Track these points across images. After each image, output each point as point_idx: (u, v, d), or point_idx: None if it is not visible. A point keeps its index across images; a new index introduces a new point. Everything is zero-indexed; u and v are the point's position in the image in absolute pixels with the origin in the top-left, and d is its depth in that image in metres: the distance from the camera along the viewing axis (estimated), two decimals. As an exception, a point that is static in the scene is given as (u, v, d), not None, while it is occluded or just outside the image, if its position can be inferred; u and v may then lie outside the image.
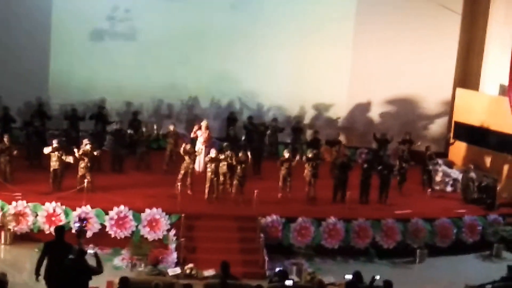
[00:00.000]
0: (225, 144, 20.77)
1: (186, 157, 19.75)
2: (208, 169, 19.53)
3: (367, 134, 25.63)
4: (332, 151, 22.80)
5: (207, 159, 19.75)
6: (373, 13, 25.01)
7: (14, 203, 17.85)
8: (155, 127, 22.46)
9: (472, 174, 21.85)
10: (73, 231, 16.46)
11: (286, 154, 20.33)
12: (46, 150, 19.08)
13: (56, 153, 18.93)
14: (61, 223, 17.47)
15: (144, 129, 22.26)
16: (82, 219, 13.00)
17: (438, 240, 19.54)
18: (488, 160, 23.97)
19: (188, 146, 20.03)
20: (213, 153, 19.56)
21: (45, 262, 12.42)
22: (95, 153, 19.35)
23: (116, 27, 24.49)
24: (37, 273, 12.05)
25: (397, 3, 25.12)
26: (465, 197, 21.57)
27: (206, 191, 19.45)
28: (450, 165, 23.83)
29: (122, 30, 24.53)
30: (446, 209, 20.70)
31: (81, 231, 12.52)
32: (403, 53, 25.32)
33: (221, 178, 19.56)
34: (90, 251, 12.48)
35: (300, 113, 25.56)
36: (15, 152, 19.37)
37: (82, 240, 12.33)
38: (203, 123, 22.14)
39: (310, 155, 20.31)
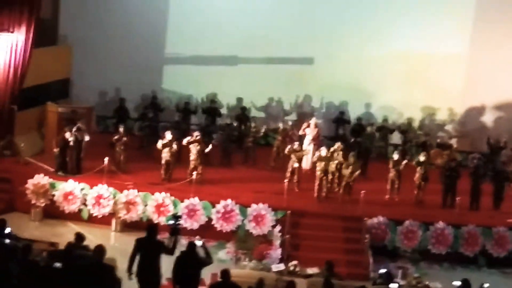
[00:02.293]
0: (336, 144, 20.54)
1: (293, 156, 19.76)
2: (318, 168, 19.43)
3: (480, 138, 24.78)
4: (443, 154, 22.19)
5: (315, 158, 19.67)
6: (493, 10, 24.04)
7: (125, 191, 18.39)
8: (264, 127, 22.53)
9: None
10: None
11: (396, 156, 20.01)
12: (159, 144, 19.51)
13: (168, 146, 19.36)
14: (169, 214, 17.93)
15: (253, 125, 22.40)
16: (177, 217, 13.07)
17: (553, 253, 18.74)
18: None
19: (295, 145, 20.00)
20: (323, 151, 19.46)
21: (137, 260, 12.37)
22: (205, 150, 19.62)
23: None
24: (129, 270, 12.04)
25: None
26: None
27: (316, 189, 19.37)
28: None
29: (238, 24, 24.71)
30: None
31: (175, 229, 12.58)
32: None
33: (330, 177, 19.44)
34: (198, 242, 12.62)
35: (411, 115, 24.98)
36: (125, 139, 19.84)
37: (175, 238, 12.38)
38: (312, 121, 22.10)
39: (421, 159, 19.87)
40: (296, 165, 19.71)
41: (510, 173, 20.58)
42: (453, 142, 23.51)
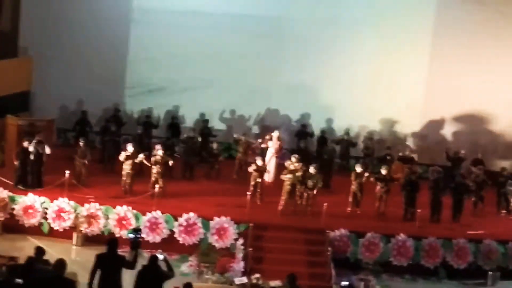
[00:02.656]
0: (295, 156, 20.62)
1: (257, 161, 19.88)
2: (286, 181, 19.46)
3: (441, 151, 25.14)
4: (404, 168, 22.40)
5: (285, 171, 19.62)
6: (451, 28, 24.53)
7: (86, 205, 18.21)
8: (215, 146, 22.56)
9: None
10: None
11: (358, 169, 20.14)
12: (122, 156, 19.42)
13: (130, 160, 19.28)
14: (131, 227, 17.80)
15: (214, 146, 22.30)
16: (137, 230, 12.93)
17: (512, 263, 19.02)
18: None
19: (259, 162, 20.00)
20: (290, 164, 19.50)
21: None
22: (169, 163, 19.59)
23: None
24: (90, 285, 11.93)
25: (476, 17, 24.54)
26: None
27: (282, 202, 19.40)
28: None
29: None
30: (521, 231, 20.11)
31: (136, 242, 12.47)
32: (480, 69, 24.66)
33: (298, 190, 19.49)
34: (159, 256, 12.54)
35: (373, 128, 25.21)
36: (86, 162, 19.71)
37: (136, 252, 12.25)
38: (274, 134, 22.15)
39: (383, 172, 20.03)
40: (258, 180, 19.74)
41: (469, 186, 20.87)
42: (414, 155, 23.70)
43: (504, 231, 19.86)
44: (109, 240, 12.62)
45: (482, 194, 21.21)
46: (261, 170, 19.95)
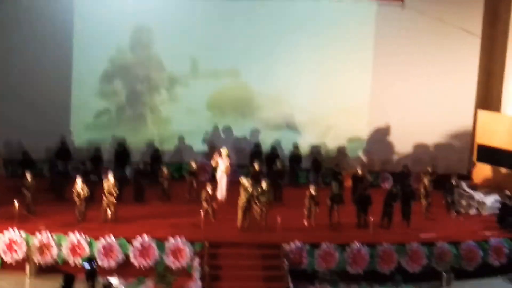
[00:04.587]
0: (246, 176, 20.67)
1: (207, 189, 19.86)
2: (241, 197, 19.48)
3: (389, 158, 25.61)
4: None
5: (242, 188, 19.64)
6: (391, 37, 25.05)
7: (38, 235, 17.92)
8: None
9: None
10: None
11: (312, 188, 20.18)
12: (76, 189, 19.24)
13: (81, 187, 19.12)
14: (85, 254, 17.62)
15: (165, 171, 22.24)
16: (91, 260, 12.57)
17: (465, 264, 19.32)
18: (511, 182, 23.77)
19: (209, 189, 19.98)
20: (245, 181, 19.57)
21: None
22: (113, 193, 19.45)
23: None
24: None
25: (415, 27, 25.09)
26: (502, 223, 21.18)
27: (239, 218, 19.41)
28: (474, 187, 23.62)
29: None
30: (472, 232, 20.48)
31: (91, 272, 12.14)
32: (423, 77, 25.29)
33: (254, 206, 19.53)
34: (113, 281, 12.31)
35: (321, 141, 25.45)
36: (33, 184, 19.46)
37: (93, 282, 11.93)
38: (223, 151, 22.18)
39: (334, 191, 20.21)
40: (207, 206, 19.77)
41: (415, 191, 21.25)
42: (363, 171, 23.70)
43: (455, 233, 20.23)
44: (65, 276, 12.23)
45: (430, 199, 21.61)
46: (210, 196, 19.99)
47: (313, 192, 19.96)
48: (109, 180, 19.59)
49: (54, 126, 24.06)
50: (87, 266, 12.58)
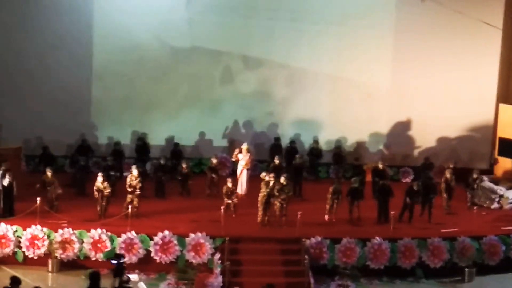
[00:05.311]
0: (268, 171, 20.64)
1: (228, 184, 19.87)
2: (262, 192, 19.46)
3: (410, 153, 25.49)
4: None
5: (262, 184, 19.64)
6: (411, 31, 24.94)
7: (60, 230, 18.05)
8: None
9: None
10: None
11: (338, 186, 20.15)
12: (98, 184, 19.27)
13: (101, 182, 19.18)
14: (106, 250, 17.74)
15: (184, 166, 22.26)
16: (119, 256, 12.45)
17: (487, 258, 19.20)
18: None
19: (229, 184, 19.99)
20: (266, 176, 19.56)
21: None
22: (137, 191, 19.48)
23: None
24: None
25: (436, 20, 24.95)
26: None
27: (260, 214, 19.42)
28: (496, 182, 23.45)
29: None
30: (494, 227, 20.35)
31: (119, 269, 12.00)
32: (443, 70, 25.15)
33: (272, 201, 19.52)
34: (134, 278, 12.20)
35: (341, 135, 25.37)
36: (59, 192, 19.57)
37: (121, 278, 11.84)
38: (244, 146, 22.20)
39: (355, 185, 20.09)
40: (229, 201, 19.76)
41: (436, 185, 21.14)
42: (384, 165, 23.58)
43: (477, 228, 20.10)
44: (91, 274, 12.13)
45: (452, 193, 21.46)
46: (231, 191, 19.99)
47: (336, 187, 19.90)
48: (133, 174, 19.65)
49: (75, 122, 24.22)
50: (115, 262, 12.49)
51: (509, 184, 23.28)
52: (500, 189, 22.70)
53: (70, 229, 18.09)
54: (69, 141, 24.15)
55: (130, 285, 12.27)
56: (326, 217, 19.90)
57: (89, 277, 11.78)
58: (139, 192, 19.46)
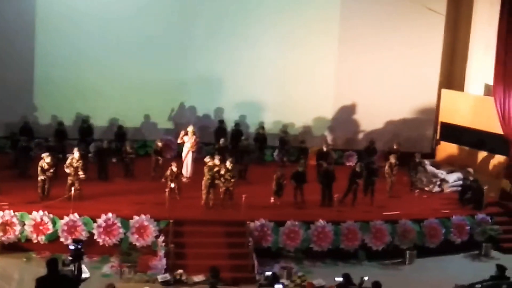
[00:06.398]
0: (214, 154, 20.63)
1: (173, 167, 19.75)
2: (206, 175, 19.44)
3: (354, 137, 25.77)
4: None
5: (206, 167, 19.60)
6: (356, 16, 25.10)
7: (0, 212, 17.71)
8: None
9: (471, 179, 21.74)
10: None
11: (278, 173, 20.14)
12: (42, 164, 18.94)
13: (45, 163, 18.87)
14: (48, 232, 17.50)
15: (128, 147, 22.05)
16: (78, 241, 12.22)
17: (427, 241, 19.58)
18: (474, 160, 24.08)
19: (174, 168, 19.84)
20: (210, 161, 19.52)
21: None
22: (80, 175, 19.21)
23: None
24: None
25: (380, 6, 25.16)
26: (463, 201, 21.44)
27: (204, 197, 19.40)
28: (437, 165, 23.89)
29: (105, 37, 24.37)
30: (434, 210, 20.74)
31: (77, 254, 11.78)
32: (387, 55, 25.39)
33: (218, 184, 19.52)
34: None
35: (287, 119, 25.45)
36: None
37: (79, 264, 11.63)
38: (189, 129, 22.10)
39: (300, 169, 20.25)
40: (172, 185, 19.61)
41: (378, 168, 21.44)
42: (329, 148, 23.78)
43: (418, 210, 20.48)
44: (48, 261, 11.83)
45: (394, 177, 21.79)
46: (176, 175, 19.89)
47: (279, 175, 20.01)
48: (74, 157, 19.38)
49: (17, 102, 23.71)
50: (73, 247, 12.24)
51: (449, 168, 23.76)
52: (441, 173, 23.13)
53: (11, 211, 17.77)
54: (8, 121, 23.63)
55: (71, 268, 12.11)
56: (272, 199, 19.99)
57: (47, 264, 11.41)
58: (82, 176, 19.18)
